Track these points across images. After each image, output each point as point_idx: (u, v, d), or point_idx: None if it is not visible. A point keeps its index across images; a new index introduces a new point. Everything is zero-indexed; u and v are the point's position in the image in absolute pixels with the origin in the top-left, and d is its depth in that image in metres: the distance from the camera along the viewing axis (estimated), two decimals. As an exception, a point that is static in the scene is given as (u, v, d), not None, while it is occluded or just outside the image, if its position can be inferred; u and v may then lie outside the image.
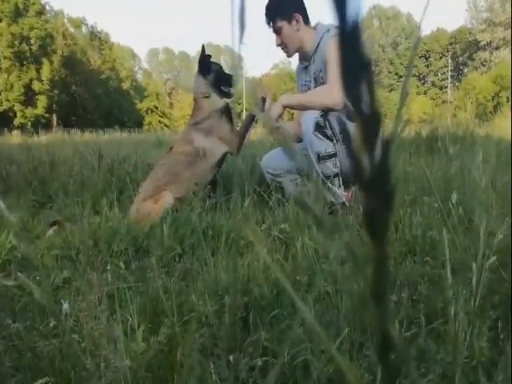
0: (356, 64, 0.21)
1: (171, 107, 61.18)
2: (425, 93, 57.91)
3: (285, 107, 2.53)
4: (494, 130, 6.59)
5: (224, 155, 2.66)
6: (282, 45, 2.68)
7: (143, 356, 0.89)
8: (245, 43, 0.35)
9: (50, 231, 1.98)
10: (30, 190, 2.99)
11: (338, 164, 2.38)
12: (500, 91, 36.12)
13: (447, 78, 56.65)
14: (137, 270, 1.53)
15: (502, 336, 0.89)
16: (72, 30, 46.91)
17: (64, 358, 0.92)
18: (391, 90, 56.88)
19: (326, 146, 2.35)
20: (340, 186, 2.40)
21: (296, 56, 2.81)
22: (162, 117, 55.60)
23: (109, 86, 49.07)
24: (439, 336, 0.97)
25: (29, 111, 38.98)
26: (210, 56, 2.78)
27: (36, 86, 38.88)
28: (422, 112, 44.58)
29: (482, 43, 52.97)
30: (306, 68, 2.73)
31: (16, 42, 37.47)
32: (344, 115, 2.27)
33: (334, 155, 2.37)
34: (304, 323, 0.95)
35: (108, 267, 1.49)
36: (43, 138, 14.84)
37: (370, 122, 0.21)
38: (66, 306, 1.08)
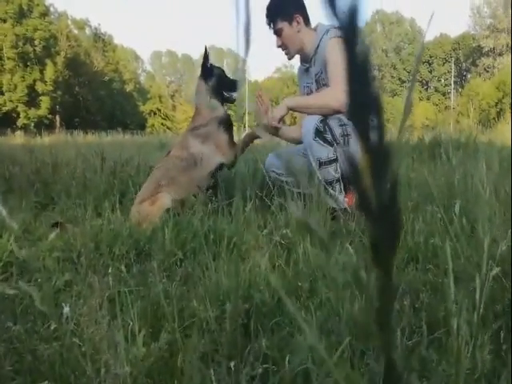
0: (365, 99, 0.20)
1: (174, 110, 61.26)
2: (428, 98, 57.93)
3: (289, 109, 2.53)
4: (496, 137, 6.58)
5: (220, 166, 2.64)
6: (283, 46, 2.67)
7: (143, 362, 0.89)
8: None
9: (53, 235, 1.98)
10: (32, 192, 2.99)
11: (339, 169, 2.38)
12: (503, 97, 36.07)
13: (450, 84, 56.66)
14: (138, 273, 1.52)
15: (504, 347, 0.88)
16: (76, 31, 47.06)
17: (64, 362, 0.92)
18: (394, 96, 56.92)
19: (326, 152, 2.34)
20: (341, 191, 2.40)
21: (298, 58, 2.82)
22: (164, 119, 55.68)
23: (112, 88, 49.19)
24: (441, 345, 0.97)
25: (32, 112, 39.08)
26: (208, 59, 2.76)
27: (39, 87, 38.99)
28: (424, 118, 44.60)
29: (486, 49, 52.96)
30: (307, 70, 2.73)
31: (20, 43, 37.60)
32: (345, 116, 2.27)
33: (335, 160, 2.36)
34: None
35: (109, 270, 1.49)
36: (46, 139, 14.88)
37: (379, 157, 0.20)
38: (66, 309, 1.08)
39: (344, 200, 2.39)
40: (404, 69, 58.55)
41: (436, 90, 59.06)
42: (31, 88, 38.82)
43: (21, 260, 1.70)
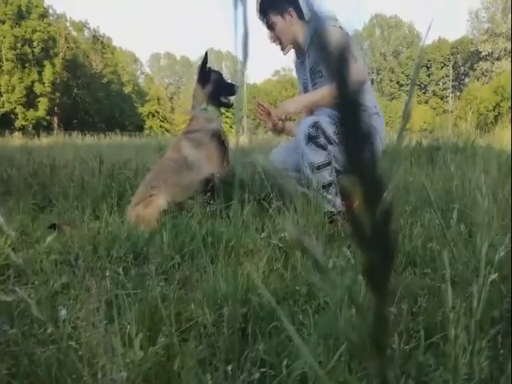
0: (356, 133, 0.20)
1: (172, 112, 61.28)
2: (426, 102, 58.07)
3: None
4: (494, 141, 6.60)
5: (212, 176, 2.61)
6: (276, 40, 2.65)
7: (140, 366, 0.88)
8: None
9: (50, 237, 1.98)
10: (30, 194, 2.98)
11: (334, 172, 2.37)
12: (501, 102, 36.22)
13: (448, 88, 56.84)
14: (136, 276, 1.52)
15: (502, 351, 0.88)
16: (74, 33, 47.06)
17: (61, 366, 0.91)
18: (392, 99, 57.06)
19: (320, 156, 2.33)
20: (337, 193, 2.39)
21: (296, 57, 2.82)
22: (163, 121, 55.68)
23: (110, 90, 49.18)
24: (438, 350, 0.97)
25: (30, 113, 39.06)
26: (206, 64, 2.76)
27: (38, 88, 38.98)
28: (422, 121, 44.74)
29: (484, 53, 53.12)
30: (303, 63, 2.73)
31: (18, 45, 37.61)
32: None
33: (329, 164, 2.35)
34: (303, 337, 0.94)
35: (107, 273, 1.49)
36: (44, 140, 14.87)
37: (373, 188, 0.20)
38: (64, 312, 1.07)
39: (341, 203, 2.39)
40: (402, 72, 58.69)
41: (434, 93, 59.21)
42: (29, 89, 38.81)
43: (18, 263, 1.69)
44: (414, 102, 54.18)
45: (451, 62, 56.40)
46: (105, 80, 48.39)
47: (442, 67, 57.68)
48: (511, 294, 1.05)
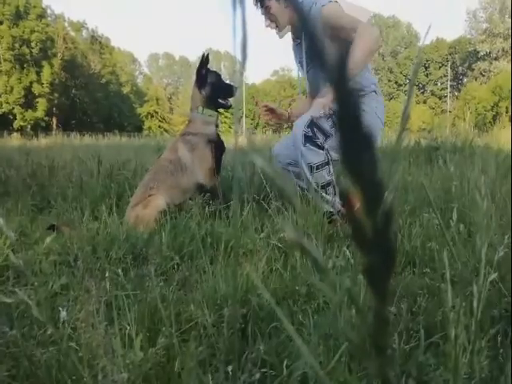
0: (356, 138, 0.20)
1: (171, 112, 61.25)
2: (424, 102, 58.11)
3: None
4: (493, 140, 6.60)
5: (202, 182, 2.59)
6: (272, 25, 2.63)
7: (140, 367, 0.88)
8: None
9: (49, 238, 1.98)
10: (28, 195, 2.98)
11: (332, 171, 2.37)
12: (499, 101, 36.28)
13: (446, 88, 56.84)
14: (135, 277, 1.52)
15: (501, 351, 0.88)
16: (73, 33, 46.97)
17: (61, 367, 0.91)
18: (390, 99, 57.08)
19: (317, 156, 2.33)
20: (335, 193, 2.38)
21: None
22: (161, 121, 55.65)
23: (109, 90, 49.14)
24: (438, 348, 0.97)
25: (29, 114, 39.01)
26: (203, 66, 2.74)
27: (36, 88, 38.94)
28: (421, 121, 44.76)
29: (482, 53, 53.19)
30: (299, 44, 2.72)
31: (17, 45, 37.58)
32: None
33: (327, 163, 2.35)
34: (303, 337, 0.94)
35: (106, 274, 1.48)
36: (43, 141, 14.85)
37: (373, 191, 0.20)
38: (63, 313, 1.07)
39: (339, 203, 2.38)
40: (401, 72, 58.72)
41: (432, 93, 59.24)
42: (28, 90, 38.76)
43: (17, 264, 1.69)
44: (413, 102, 54.19)
45: (449, 62, 56.43)
46: (103, 80, 48.35)
47: (440, 67, 57.72)
48: (511, 294, 1.05)
